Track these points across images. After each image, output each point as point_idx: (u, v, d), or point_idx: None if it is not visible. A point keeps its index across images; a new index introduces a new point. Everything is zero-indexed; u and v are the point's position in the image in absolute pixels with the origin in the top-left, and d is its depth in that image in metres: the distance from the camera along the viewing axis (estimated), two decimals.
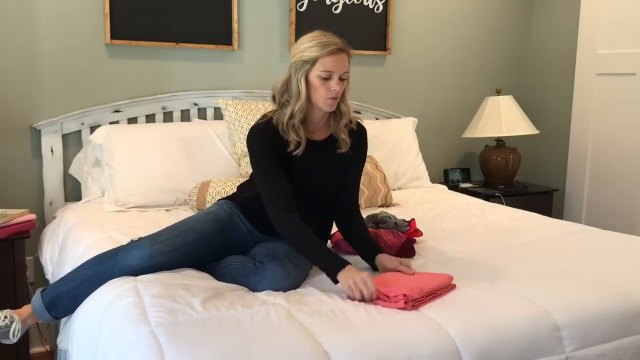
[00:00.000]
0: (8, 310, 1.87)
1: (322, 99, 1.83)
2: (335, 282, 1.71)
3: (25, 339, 2.11)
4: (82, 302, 1.77)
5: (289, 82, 1.86)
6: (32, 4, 2.70)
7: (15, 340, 1.84)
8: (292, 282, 1.76)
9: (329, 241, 2.14)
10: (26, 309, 1.89)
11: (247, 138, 1.90)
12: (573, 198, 3.67)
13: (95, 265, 1.80)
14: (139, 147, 2.68)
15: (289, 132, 1.84)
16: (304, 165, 1.91)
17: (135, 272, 1.76)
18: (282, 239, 1.92)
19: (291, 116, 1.84)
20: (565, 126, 3.72)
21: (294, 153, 1.85)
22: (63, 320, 1.90)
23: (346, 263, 1.72)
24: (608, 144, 3.46)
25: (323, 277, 1.81)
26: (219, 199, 2.08)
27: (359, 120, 2.05)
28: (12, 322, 1.83)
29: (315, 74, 1.80)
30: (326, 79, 1.80)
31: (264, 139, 1.86)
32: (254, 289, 1.75)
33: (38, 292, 1.88)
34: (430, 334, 1.43)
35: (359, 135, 2.02)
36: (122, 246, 1.84)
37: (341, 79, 1.83)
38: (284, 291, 1.72)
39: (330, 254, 1.79)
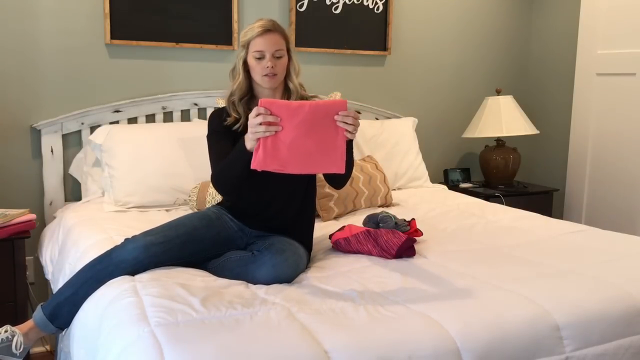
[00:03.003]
0: (8, 325, 1.84)
1: (260, 77, 1.98)
2: (246, 147, 1.77)
3: None
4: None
5: (235, 67, 2.05)
6: (32, 3, 2.70)
7: (19, 355, 1.81)
8: (289, 268, 1.79)
9: (329, 241, 2.15)
10: (27, 324, 1.87)
11: None
12: (573, 198, 3.67)
13: (91, 267, 1.80)
14: (139, 147, 2.68)
15: (230, 108, 2.02)
16: None
17: (132, 266, 1.77)
18: (275, 234, 1.96)
19: (231, 93, 2.04)
20: (565, 126, 3.72)
21: (234, 128, 1.97)
22: None
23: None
24: (608, 144, 3.46)
25: (324, 275, 1.82)
26: (208, 207, 2.13)
27: (316, 96, 2.13)
28: (13, 336, 1.81)
29: (251, 55, 1.98)
30: (260, 59, 1.96)
31: (215, 119, 2.06)
32: (252, 277, 1.76)
33: (39, 306, 1.88)
34: (430, 334, 1.43)
35: None
36: (116, 246, 1.86)
37: (277, 57, 1.96)
38: (282, 279, 1.75)
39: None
